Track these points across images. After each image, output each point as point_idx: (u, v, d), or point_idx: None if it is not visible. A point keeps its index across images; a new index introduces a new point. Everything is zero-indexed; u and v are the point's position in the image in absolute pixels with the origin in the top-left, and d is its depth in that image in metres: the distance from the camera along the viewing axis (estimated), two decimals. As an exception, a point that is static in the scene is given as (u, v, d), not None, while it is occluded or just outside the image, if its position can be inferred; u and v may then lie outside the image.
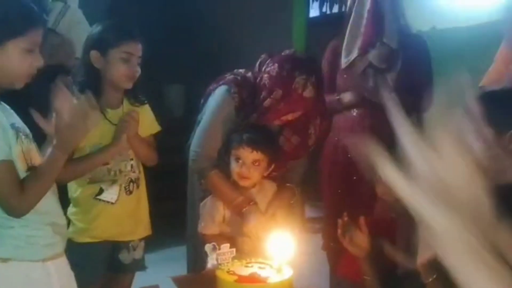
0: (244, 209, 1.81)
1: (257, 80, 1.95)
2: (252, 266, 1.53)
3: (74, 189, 1.79)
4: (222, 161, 1.91)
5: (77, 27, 2.81)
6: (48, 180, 1.34)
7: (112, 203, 1.77)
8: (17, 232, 1.32)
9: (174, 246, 3.15)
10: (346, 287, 1.96)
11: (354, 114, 2.28)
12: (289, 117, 1.90)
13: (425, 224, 0.57)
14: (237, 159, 1.84)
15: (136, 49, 1.77)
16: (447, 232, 0.54)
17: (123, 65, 1.74)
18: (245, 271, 1.49)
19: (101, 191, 1.76)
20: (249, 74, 2.02)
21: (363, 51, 2.24)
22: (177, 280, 1.64)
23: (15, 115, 1.37)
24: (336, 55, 2.34)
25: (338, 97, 2.30)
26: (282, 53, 1.95)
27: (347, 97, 2.28)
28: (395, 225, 1.86)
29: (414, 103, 2.27)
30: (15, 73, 1.28)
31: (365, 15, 2.23)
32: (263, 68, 1.94)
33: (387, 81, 2.23)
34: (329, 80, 2.30)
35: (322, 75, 1.95)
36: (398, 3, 2.27)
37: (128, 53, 1.74)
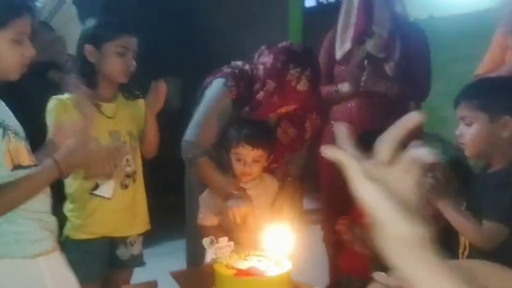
0: (233, 194, 1.80)
1: (254, 72, 1.94)
2: (250, 259, 1.53)
3: (69, 185, 1.78)
4: (217, 154, 1.91)
5: (69, 23, 2.79)
6: (28, 190, 1.27)
7: (108, 198, 1.76)
8: (3, 229, 1.30)
9: (173, 240, 3.16)
10: (348, 282, 1.95)
11: (352, 104, 2.27)
12: (283, 110, 1.89)
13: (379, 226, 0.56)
14: (238, 158, 1.84)
15: (131, 43, 1.75)
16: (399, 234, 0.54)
17: (118, 59, 1.73)
18: (244, 265, 1.48)
19: (96, 186, 1.74)
20: (247, 66, 2.00)
21: (357, 41, 2.23)
22: (176, 275, 1.63)
23: (8, 112, 1.35)
24: (333, 46, 2.34)
25: (335, 88, 2.29)
26: (279, 45, 1.93)
27: (345, 87, 2.27)
28: None
29: (413, 91, 2.27)
30: (6, 65, 1.26)
31: (356, 5, 2.21)
32: (260, 59, 1.93)
33: (385, 70, 2.21)
34: (327, 71, 2.31)
35: (318, 68, 1.93)
36: None
37: (123, 47, 1.73)
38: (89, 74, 1.74)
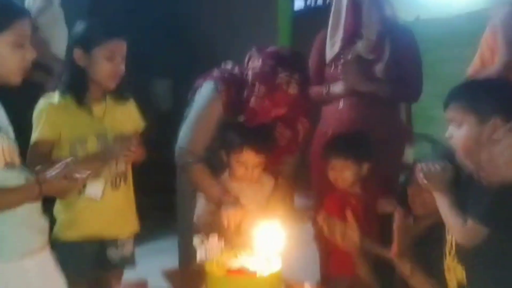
0: (225, 201, 1.82)
1: (244, 75, 1.95)
2: (241, 258, 1.54)
3: None
4: (211, 158, 1.92)
5: (55, 24, 2.79)
6: (3, 204, 1.26)
7: (96, 199, 1.75)
8: None
9: (164, 238, 3.16)
10: (338, 282, 1.97)
11: (342, 105, 2.27)
12: (275, 113, 1.91)
13: None
14: (240, 163, 1.86)
15: (121, 48, 1.75)
16: None
17: (108, 63, 1.72)
18: (234, 263, 1.50)
19: (84, 186, 1.71)
20: (237, 69, 2.02)
21: (347, 43, 2.24)
22: (167, 274, 1.64)
23: (1, 110, 1.35)
24: (323, 47, 2.33)
25: (327, 89, 2.29)
26: (267, 49, 1.95)
27: (336, 88, 2.27)
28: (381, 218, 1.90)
29: (404, 92, 2.30)
30: (8, 69, 1.25)
31: (345, 7, 2.23)
32: (250, 63, 1.95)
33: (375, 72, 2.23)
34: (318, 71, 2.31)
35: (307, 72, 1.94)
36: None
37: (113, 52, 1.72)
38: (79, 79, 1.73)
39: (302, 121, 2.01)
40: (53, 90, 1.78)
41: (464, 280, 1.48)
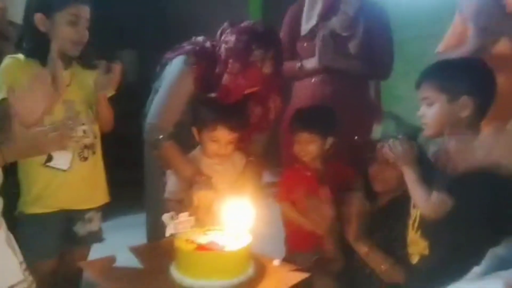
0: (197, 180, 1.81)
1: (216, 49, 1.91)
2: (210, 234, 1.55)
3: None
4: (180, 133, 1.89)
5: None
6: None
7: (64, 170, 1.71)
8: None
9: (131, 214, 3.13)
10: (302, 258, 2.01)
11: (315, 81, 2.27)
12: (248, 90, 1.89)
13: None
14: (213, 139, 1.84)
15: (84, 11, 1.69)
16: None
17: (71, 28, 1.66)
18: (204, 239, 1.51)
19: (50, 157, 1.68)
20: (208, 43, 1.97)
21: (323, 18, 2.22)
22: (135, 250, 1.63)
23: None
24: (296, 20, 2.31)
25: (299, 64, 2.28)
26: (241, 24, 1.90)
27: (309, 64, 2.26)
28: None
29: (375, 70, 2.32)
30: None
31: None
32: (223, 38, 1.90)
33: (348, 48, 2.22)
34: (289, 46, 2.29)
35: (281, 49, 1.92)
36: None
37: (76, 16, 1.66)
38: (41, 44, 1.66)
39: (274, 99, 2.00)
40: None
41: (426, 252, 1.54)
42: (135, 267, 1.55)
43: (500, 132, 1.39)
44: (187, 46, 1.97)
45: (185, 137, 1.94)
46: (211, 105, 1.86)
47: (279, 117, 2.11)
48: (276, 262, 1.60)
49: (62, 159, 1.69)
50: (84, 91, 1.77)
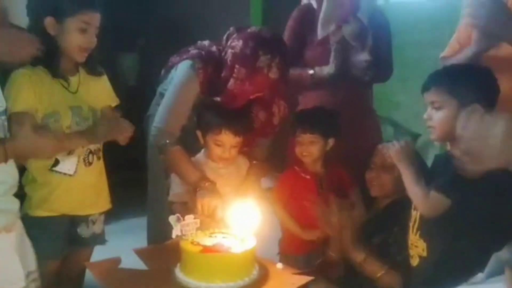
0: (202, 186, 1.81)
1: (222, 54, 1.93)
2: (216, 236, 1.56)
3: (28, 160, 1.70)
4: (185, 136, 1.91)
5: None
6: None
7: (70, 175, 1.72)
8: None
9: (132, 217, 3.13)
10: (295, 260, 2.03)
11: (326, 88, 2.22)
12: (254, 96, 1.91)
13: None
14: (218, 143, 1.86)
15: (95, 18, 1.70)
16: None
17: (80, 35, 1.67)
18: (209, 241, 1.52)
19: (56, 162, 1.69)
20: (214, 48, 1.99)
21: (340, 24, 2.19)
22: (140, 252, 1.64)
23: None
24: (303, 24, 2.27)
25: (312, 72, 2.23)
26: (248, 30, 1.92)
27: (324, 71, 2.21)
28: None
29: (379, 74, 2.32)
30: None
31: None
32: (229, 43, 1.92)
33: (360, 55, 2.19)
34: (294, 52, 2.23)
35: (287, 55, 1.92)
36: None
37: (87, 23, 1.67)
38: (50, 47, 1.66)
39: (278, 104, 2.02)
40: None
41: (424, 254, 1.56)
42: (140, 269, 1.56)
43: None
44: (192, 50, 1.99)
45: (190, 140, 1.96)
46: (216, 109, 1.88)
47: (284, 122, 2.11)
48: (279, 266, 1.61)
49: (68, 164, 1.70)
50: (91, 97, 1.78)
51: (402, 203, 1.69)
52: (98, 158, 1.81)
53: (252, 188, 1.95)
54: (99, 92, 1.81)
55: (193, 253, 1.47)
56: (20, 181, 1.54)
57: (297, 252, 2.04)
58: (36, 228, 1.65)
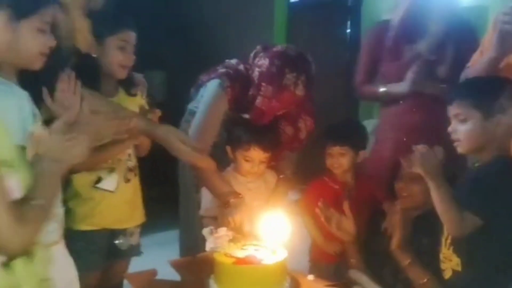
0: (231, 201, 1.85)
1: (250, 72, 1.99)
2: (248, 249, 1.59)
3: (71, 177, 1.79)
4: (216, 152, 1.97)
5: None
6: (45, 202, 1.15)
7: (111, 191, 1.81)
8: None
9: (165, 230, 3.20)
10: (325, 269, 2.06)
11: (403, 108, 2.17)
12: (281, 112, 1.96)
13: None
14: (247, 159, 1.92)
15: (132, 37, 1.80)
16: None
17: (120, 53, 1.77)
18: (242, 253, 1.55)
19: (99, 179, 1.79)
20: (241, 66, 2.05)
21: (418, 38, 2.12)
22: (175, 264, 1.69)
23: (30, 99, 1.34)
24: (380, 41, 2.24)
25: (384, 89, 2.20)
26: (274, 48, 1.97)
27: (396, 88, 2.16)
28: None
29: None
30: (30, 53, 1.25)
31: None
32: (256, 61, 1.98)
33: (437, 72, 2.12)
34: (370, 69, 2.24)
35: (312, 72, 1.96)
36: None
37: (125, 41, 1.77)
38: (93, 68, 1.77)
39: (305, 119, 2.07)
40: None
41: (458, 268, 1.54)
42: (175, 280, 1.62)
43: None
44: (221, 69, 2.05)
45: (219, 155, 2.01)
46: (245, 125, 1.94)
47: (310, 136, 2.15)
48: (311, 277, 1.64)
49: (110, 181, 1.79)
50: None
51: (432, 215, 1.68)
52: (135, 175, 1.90)
53: (280, 201, 1.99)
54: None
55: (226, 264, 1.50)
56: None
57: (327, 260, 2.08)
58: (80, 242, 1.73)
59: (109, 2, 1.88)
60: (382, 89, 2.21)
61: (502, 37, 1.66)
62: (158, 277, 1.64)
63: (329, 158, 2.07)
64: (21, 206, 1.07)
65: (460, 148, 1.55)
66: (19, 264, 1.11)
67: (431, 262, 1.71)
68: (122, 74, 1.81)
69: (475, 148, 1.53)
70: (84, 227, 1.80)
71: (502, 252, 1.45)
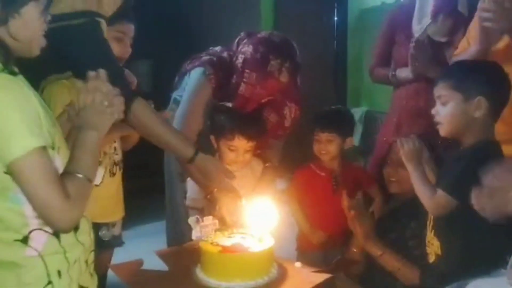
0: (215, 191, 1.82)
1: (234, 59, 1.97)
2: (234, 237, 1.59)
3: None
4: (201, 141, 1.95)
5: None
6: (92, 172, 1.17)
7: (96, 185, 1.77)
8: None
9: (153, 221, 3.18)
10: (313, 256, 2.06)
11: (409, 91, 2.17)
12: (264, 99, 1.94)
13: None
14: (232, 148, 1.89)
15: (130, 29, 1.77)
16: None
17: (117, 44, 1.73)
18: (228, 242, 1.55)
19: None
20: (225, 53, 2.03)
21: (435, 16, 2.08)
22: (161, 254, 1.68)
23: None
24: (393, 26, 2.24)
25: (393, 73, 2.21)
26: (258, 35, 1.95)
27: (402, 73, 2.17)
28: None
29: None
30: (32, 37, 1.18)
31: None
32: (240, 48, 1.96)
33: (445, 55, 2.08)
34: (383, 53, 2.24)
35: (297, 59, 1.94)
36: None
37: (122, 32, 1.74)
38: None
39: (290, 106, 2.05)
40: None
41: (439, 252, 1.56)
42: (161, 270, 1.60)
43: None
44: (204, 57, 2.03)
45: (204, 144, 1.99)
46: (228, 114, 1.91)
47: (295, 124, 2.15)
48: (298, 264, 1.64)
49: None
50: None
51: (419, 199, 1.70)
52: (120, 169, 1.88)
53: (267, 189, 1.98)
54: None
55: (212, 253, 1.50)
56: None
57: (314, 248, 2.08)
58: None
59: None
60: (390, 73, 2.23)
61: (485, 32, 1.65)
62: (147, 268, 1.62)
63: (316, 144, 2.07)
64: (67, 183, 1.09)
65: (442, 131, 1.55)
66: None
67: (418, 246, 1.73)
68: None
69: (456, 131, 1.52)
70: None
71: (479, 236, 1.46)
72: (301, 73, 2.02)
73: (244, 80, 1.90)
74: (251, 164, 2.01)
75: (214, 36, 2.77)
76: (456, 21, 2.08)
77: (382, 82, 2.31)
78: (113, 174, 1.83)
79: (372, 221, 1.86)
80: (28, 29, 1.14)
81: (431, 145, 1.74)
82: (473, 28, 1.83)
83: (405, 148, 1.61)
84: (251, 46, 1.90)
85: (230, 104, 1.95)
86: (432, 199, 1.51)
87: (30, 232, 1.11)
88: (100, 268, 1.86)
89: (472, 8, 1.91)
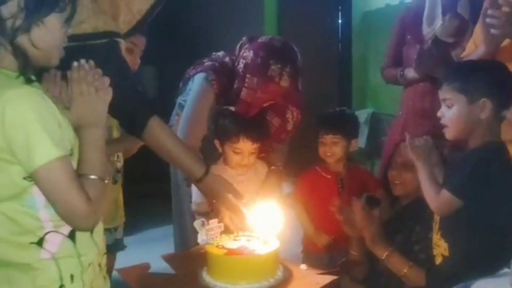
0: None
1: (235, 64, 1.98)
2: (240, 240, 1.59)
3: None
4: (205, 146, 1.97)
5: None
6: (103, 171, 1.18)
7: None
8: None
9: (157, 227, 3.19)
10: (318, 259, 2.06)
11: (416, 90, 2.20)
12: (267, 103, 1.95)
13: None
14: (236, 151, 1.90)
15: (141, 42, 1.80)
16: None
17: (127, 55, 1.74)
18: (234, 245, 1.55)
19: None
20: (227, 58, 2.04)
21: (442, 17, 2.11)
22: (167, 258, 1.68)
23: None
24: (403, 27, 2.27)
25: (401, 73, 2.24)
26: (259, 40, 1.96)
27: (410, 73, 2.20)
28: None
29: None
30: (54, 46, 1.18)
31: None
32: (241, 53, 1.97)
33: (451, 56, 2.09)
34: (394, 53, 2.27)
35: (298, 63, 1.95)
36: None
37: (134, 44, 1.76)
38: None
39: (292, 110, 2.06)
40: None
41: (446, 253, 1.55)
42: (168, 273, 1.61)
43: None
44: (207, 63, 2.04)
45: (208, 149, 2.01)
46: (233, 118, 1.92)
47: (297, 128, 2.15)
48: (303, 267, 1.64)
49: None
50: None
51: (423, 202, 1.70)
52: (121, 176, 1.90)
53: (272, 192, 1.98)
54: None
55: (218, 256, 1.50)
56: None
57: (319, 251, 2.08)
58: None
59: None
60: (399, 73, 2.25)
61: (491, 38, 1.65)
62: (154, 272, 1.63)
63: (321, 147, 2.08)
64: (85, 186, 1.12)
65: (448, 134, 1.54)
66: (80, 235, 1.17)
67: (424, 249, 1.72)
68: None
69: (462, 134, 1.52)
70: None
71: (486, 237, 1.45)
72: (302, 77, 2.02)
73: (246, 85, 1.91)
74: (255, 167, 2.02)
75: (218, 41, 2.78)
76: (463, 22, 2.09)
77: (393, 82, 2.34)
78: (115, 181, 1.87)
79: (378, 224, 1.85)
80: (50, 38, 1.16)
81: (437, 146, 1.73)
82: (479, 30, 1.83)
83: (416, 145, 1.60)
84: (251, 51, 1.91)
85: (233, 109, 1.96)
86: (437, 198, 1.51)
87: (45, 234, 1.13)
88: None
89: (477, 10, 1.91)
